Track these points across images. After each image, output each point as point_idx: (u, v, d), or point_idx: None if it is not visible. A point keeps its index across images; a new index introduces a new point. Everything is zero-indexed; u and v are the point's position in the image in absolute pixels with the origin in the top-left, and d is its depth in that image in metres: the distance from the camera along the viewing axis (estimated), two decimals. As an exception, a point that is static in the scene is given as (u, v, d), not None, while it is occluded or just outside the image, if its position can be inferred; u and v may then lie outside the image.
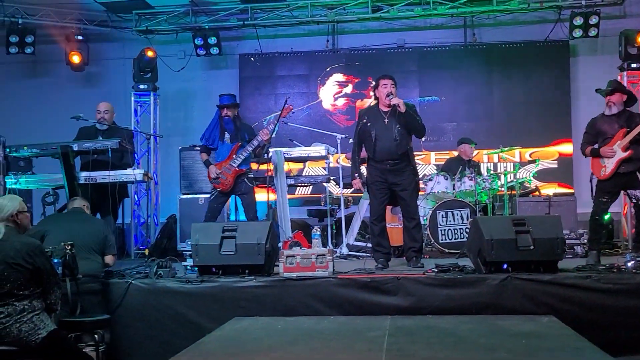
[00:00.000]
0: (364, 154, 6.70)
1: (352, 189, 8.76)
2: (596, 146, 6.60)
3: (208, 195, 7.68)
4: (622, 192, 6.70)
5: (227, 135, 7.40)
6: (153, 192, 10.29)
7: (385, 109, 6.47)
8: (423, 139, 7.25)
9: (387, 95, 6.37)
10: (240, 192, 7.40)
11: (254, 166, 7.50)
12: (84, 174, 7.34)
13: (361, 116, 6.68)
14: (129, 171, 7.44)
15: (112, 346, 5.49)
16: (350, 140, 8.36)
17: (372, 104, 6.90)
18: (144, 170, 7.74)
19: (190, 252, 6.11)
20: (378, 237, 6.54)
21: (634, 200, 6.52)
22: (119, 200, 7.60)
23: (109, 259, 6.06)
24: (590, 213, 6.67)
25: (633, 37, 9.59)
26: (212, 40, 10.86)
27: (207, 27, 10.89)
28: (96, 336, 5.03)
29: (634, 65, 9.74)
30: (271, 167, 7.55)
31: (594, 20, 9.98)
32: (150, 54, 10.30)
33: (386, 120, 6.44)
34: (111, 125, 7.77)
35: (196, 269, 5.90)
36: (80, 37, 11.02)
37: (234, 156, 7.29)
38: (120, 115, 8.47)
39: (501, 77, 10.96)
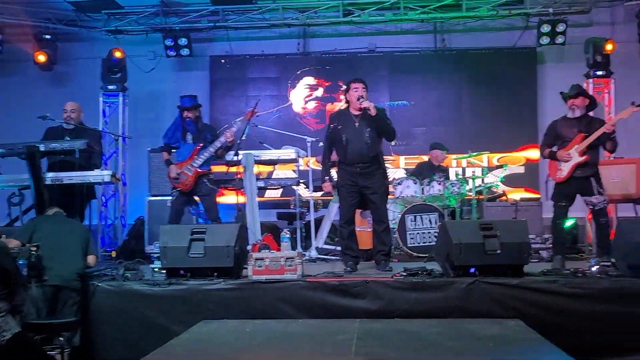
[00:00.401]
0: (334, 157, 6.72)
1: (322, 192, 8.79)
2: (554, 149, 6.69)
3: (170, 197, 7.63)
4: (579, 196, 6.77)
5: (189, 136, 7.35)
6: (121, 194, 10.20)
7: (356, 113, 6.49)
8: (393, 143, 7.29)
9: (358, 99, 6.39)
10: (201, 193, 7.36)
11: (224, 168, 7.47)
12: (50, 175, 7.25)
13: (332, 119, 6.69)
14: (96, 172, 7.37)
15: (80, 349, 5.44)
16: (320, 144, 8.36)
17: (342, 108, 6.91)
18: (111, 171, 7.68)
19: (158, 255, 6.06)
20: (347, 240, 6.55)
21: (590, 207, 6.61)
22: (85, 202, 7.51)
23: (91, 259, 6.00)
24: (552, 218, 6.76)
25: (602, 45, 9.76)
26: (183, 41, 10.78)
27: (177, 28, 10.81)
28: (61, 339, 4.97)
29: (599, 72, 9.91)
30: (241, 169, 7.53)
31: (561, 28, 10.13)
32: (118, 54, 10.21)
33: (357, 124, 6.46)
34: (78, 125, 7.68)
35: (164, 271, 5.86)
36: (48, 36, 10.86)
37: (196, 156, 7.24)
38: (88, 115, 8.38)
39: (470, 83, 11.06)
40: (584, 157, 6.50)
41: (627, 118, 6.62)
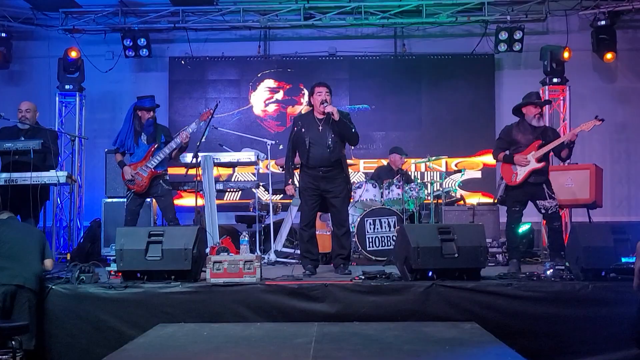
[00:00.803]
0: (297, 160, 6.72)
1: (282, 195, 8.80)
2: (508, 153, 6.79)
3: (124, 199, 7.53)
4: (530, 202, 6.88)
5: (143, 137, 7.26)
6: (77, 195, 10.03)
7: (320, 116, 6.50)
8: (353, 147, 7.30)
9: (322, 103, 6.40)
10: (157, 194, 7.26)
11: (182, 170, 7.41)
12: (3, 175, 7.09)
13: (296, 122, 6.69)
14: (51, 173, 7.23)
15: (34, 353, 5.34)
16: (281, 147, 8.36)
17: (304, 111, 6.93)
18: (67, 172, 7.55)
19: (114, 257, 5.98)
20: (307, 244, 6.55)
21: (542, 211, 6.72)
22: (40, 203, 7.37)
23: (49, 262, 5.88)
24: (506, 223, 6.86)
25: (558, 53, 9.94)
26: (142, 42, 10.66)
27: (136, 28, 10.70)
28: (13, 342, 4.87)
29: (555, 80, 10.10)
30: (200, 171, 7.48)
31: (518, 35, 10.31)
32: (74, 54, 10.04)
33: (320, 128, 6.47)
34: (33, 125, 7.54)
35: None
36: (3, 35, 10.64)
37: (151, 157, 7.16)
38: (44, 115, 8.24)
39: (429, 88, 11.15)
40: (541, 164, 6.61)
41: (588, 131, 6.74)
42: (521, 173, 6.64)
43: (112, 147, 8.93)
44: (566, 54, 9.94)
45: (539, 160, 6.60)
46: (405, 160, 9.43)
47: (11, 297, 5.36)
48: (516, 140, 6.76)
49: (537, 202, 6.70)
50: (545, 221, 7.32)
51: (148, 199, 7.51)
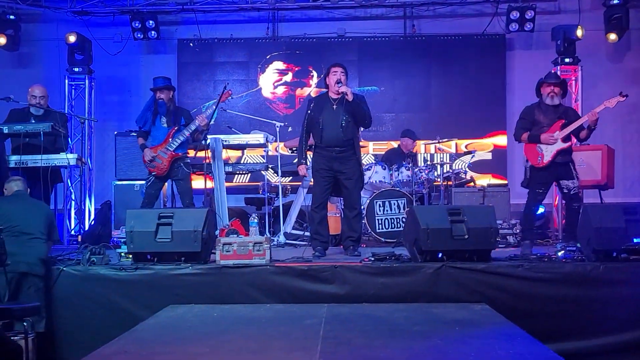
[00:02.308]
0: (311, 141, 6.70)
1: (291, 178, 8.79)
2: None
3: (144, 182, 7.53)
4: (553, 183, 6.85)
5: (163, 119, 7.24)
6: (87, 178, 10.06)
7: (335, 97, 6.49)
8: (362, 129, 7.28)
9: (337, 83, 6.39)
10: (177, 177, 7.27)
11: (191, 152, 7.40)
12: (14, 158, 7.13)
13: (310, 103, 6.69)
14: (62, 155, 7.26)
15: (44, 335, 5.37)
16: (290, 129, 8.34)
17: (313, 93, 6.91)
18: (77, 154, 7.57)
19: (125, 239, 5.99)
20: (317, 225, 6.54)
21: (565, 191, 6.68)
22: (51, 186, 7.40)
23: (49, 244, 5.89)
24: (525, 203, 6.82)
25: (571, 32, 9.84)
26: (150, 24, 10.60)
27: (145, 10, 10.66)
28: (25, 324, 4.90)
29: (567, 60, 10.01)
30: (209, 154, 7.47)
31: (529, 15, 10.19)
32: (72, 38, 9.94)
33: (334, 107, 6.47)
34: (45, 109, 7.56)
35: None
36: (11, 17, 10.62)
37: (170, 140, 7.15)
38: (53, 98, 8.24)
39: (439, 69, 11.07)
40: (567, 143, 6.59)
41: (612, 107, 6.68)
42: (548, 154, 6.59)
43: (121, 129, 8.98)
44: (579, 32, 9.83)
45: (564, 139, 6.57)
46: (416, 143, 9.40)
47: (16, 283, 5.36)
48: (538, 121, 6.71)
49: (561, 182, 6.67)
50: (563, 202, 7.26)
51: (171, 180, 7.48)
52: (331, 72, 6.51)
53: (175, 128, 7.21)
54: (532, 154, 6.72)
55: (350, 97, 6.33)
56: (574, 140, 6.87)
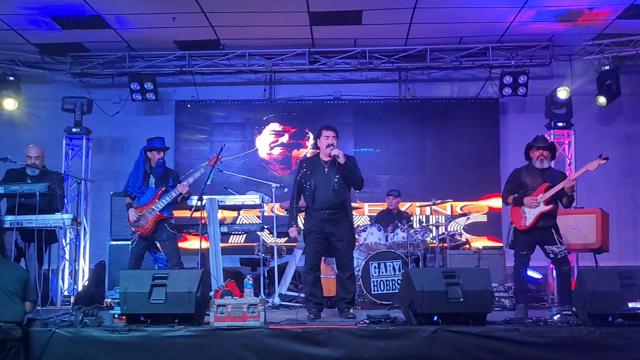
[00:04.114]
0: (302, 202, 6.72)
1: (286, 239, 8.77)
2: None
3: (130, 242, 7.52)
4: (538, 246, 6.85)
5: (152, 179, 7.28)
6: (82, 238, 10.03)
7: (326, 159, 6.56)
8: (357, 191, 7.33)
9: (328, 146, 6.47)
10: (162, 238, 7.24)
11: (187, 213, 7.41)
12: (9, 218, 7.13)
13: (301, 165, 6.75)
14: (57, 216, 7.27)
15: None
16: (286, 190, 8.37)
17: (309, 154, 6.96)
18: (72, 215, 7.57)
19: (118, 300, 5.94)
20: (311, 287, 6.52)
21: (551, 255, 6.70)
22: (46, 246, 7.38)
23: (28, 305, 5.81)
24: (514, 267, 6.82)
25: (554, 93, 10.02)
26: (149, 85, 10.76)
27: (143, 72, 10.83)
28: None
29: (560, 124, 10.14)
30: (204, 214, 7.48)
31: (522, 79, 10.37)
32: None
33: (326, 170, 6.52)
34: (41, 169, 7.59)
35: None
36: (11, 78, 10.75)
37: (157, 200, 7.16)
38: (51, 158, 8.29)
39: (434, 132, 11.19)
40: (549, 206, 6.61)
41: (593, 170, 6.73)
42: (530, 217, 6.63)
43: (117, 190, 8.98)
44: (563, 93, 10.00)
45: (547, 202, 6.60)
46: (409, 202, 9.45)
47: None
48: (525, 183, 6.77)
49: (546, 247, 6.68)
50: (552, 266, 7.27)
51: (156, 241, 7.48)
52: (322, 135, 6.59)
53: (163, 189, 7.23)
54: (516, 216, 6.77)
55: (342, 161, 6.39)
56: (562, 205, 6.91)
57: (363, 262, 7.99)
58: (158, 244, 7.37)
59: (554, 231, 6.66)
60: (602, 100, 10.30)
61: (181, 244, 7.70)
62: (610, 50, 10.21)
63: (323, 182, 6.48)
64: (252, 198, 8.06)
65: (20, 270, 6.05)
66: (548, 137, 9.81)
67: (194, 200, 7.51)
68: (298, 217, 6.82)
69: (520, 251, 6.73)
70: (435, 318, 5.55)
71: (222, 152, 7.52)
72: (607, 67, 10.23)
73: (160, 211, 7.13)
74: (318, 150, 6.70)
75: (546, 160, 6.79)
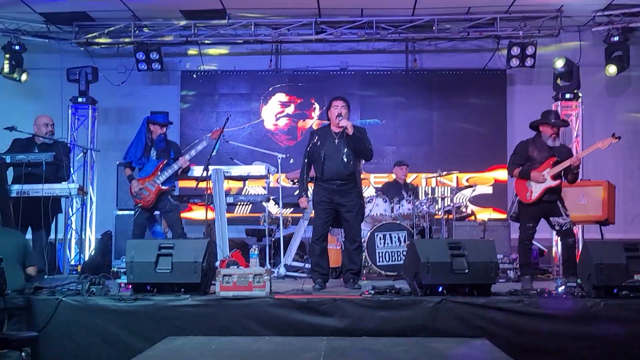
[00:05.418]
0: (312, 173, 6.72)
1: (292, 209, 8.79)
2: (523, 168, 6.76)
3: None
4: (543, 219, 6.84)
5: (153, 152, 7.29)
6: (88, 207, 10.07)
7: (336, 130, 6.54)
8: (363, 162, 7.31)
9: (337, 116, 6.43)
10: (164, 209, 7.31)
11: (193, 184, 7.42)
12: (16, 187, 7.15)
13: (312, 135, 6.73)
14: (63, 185, 7.29)
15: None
16: (292, 161, 8.36)
17: (315, 126, 6.94)
18: (78, 184, 7.59)
19: (125, 270, 5.98)
20: (318, 258, 6.54)
21: (557, 227, 6.70)
22: (52, 215, 7.41)
23: (31, 270, 5.86)
24: (519, 239, 6.81)
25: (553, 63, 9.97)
26: (154, 55, 10.72)
27: (149, 42, 10.77)
28: (23, 354, 4.86)
29: (568, 95, 10.07)
30: (210, 185, 7.49)
31: (530, 50, 10.29)
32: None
33: (336, 141, 6.51)
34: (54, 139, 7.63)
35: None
36: (17, 47, 10.72)
37: (159, 173, 7.19)
38: (57, 127, 8.28)
39: (440, 103, 11.14)
40: (556, 182, 6.59)
41: (604, 148, 6.70)
42: (536, 191, 6.61)
43: (123, 160, 8.99)
44: (559, 62, 9.95)
45: (554, 177, 6.57)
46: (415, 174, 9.43)
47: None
48: (532, 157, 6.74)
49: (551, 219, 6.68)
50: (558, 238, 7.26)
51: (157, 212, 7.52)
52: (332, 105, 6.56)
53: (165, 161, 7.24)
54: (521, 189, 6.75)
55: (350, 132, 6.37)
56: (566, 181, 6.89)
57: (368, 233, 7.99)
58: (161, 216, 7.40)
59: (559, 204, 6.65)
60: (612, 70, 10.20)
61: (187, 214, 7.75)
62: (620, 21, 10.10)
63: (333, 153, 6.47)
64: (257, 169, 8.06)
65: (17, 236, 6.07)
66: (555, 108, 9.76)
67: (198, 171, 7.52)
68: (308, 187, 6.81)
69: (526, 223, 6.73)
70: (440, 289, 5.56)
71: (228, 122, 7.49)
72: (616, 38, 10.11)
73: (161, 184, 7.16)
74: (324, 121, 6.68)
75: (558, 138, 6.77)
